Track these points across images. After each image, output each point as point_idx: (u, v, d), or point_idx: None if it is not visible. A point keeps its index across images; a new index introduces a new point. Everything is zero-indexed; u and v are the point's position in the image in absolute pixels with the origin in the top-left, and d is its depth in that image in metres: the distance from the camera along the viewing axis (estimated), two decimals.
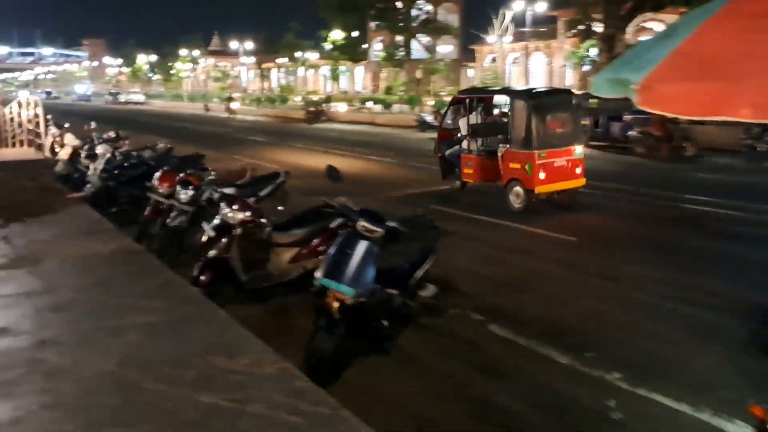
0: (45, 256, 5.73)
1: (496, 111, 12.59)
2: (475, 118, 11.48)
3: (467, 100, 11.71)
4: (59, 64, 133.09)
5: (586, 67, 38.03)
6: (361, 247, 4.57)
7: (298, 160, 17.88)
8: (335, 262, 4.53)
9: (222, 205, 5.74)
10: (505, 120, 11.05)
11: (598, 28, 35.04)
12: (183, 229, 7.47)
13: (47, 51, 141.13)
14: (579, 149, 10.47)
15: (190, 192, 7.37)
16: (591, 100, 22.81)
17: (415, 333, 5.20)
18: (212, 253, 5.63)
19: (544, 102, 10.41)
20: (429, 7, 52.34)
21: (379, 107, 39.02)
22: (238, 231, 5.67)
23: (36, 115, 12.23)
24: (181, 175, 7.66)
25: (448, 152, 12.16)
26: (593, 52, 35.99)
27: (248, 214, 5.70)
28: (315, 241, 6.02)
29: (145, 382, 3.32)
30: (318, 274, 4.56)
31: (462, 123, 11.76)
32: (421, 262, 5.28)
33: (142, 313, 4.33)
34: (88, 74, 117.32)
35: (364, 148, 20.85)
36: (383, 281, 4.82)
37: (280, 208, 7.36)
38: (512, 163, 10.25)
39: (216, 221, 5.76)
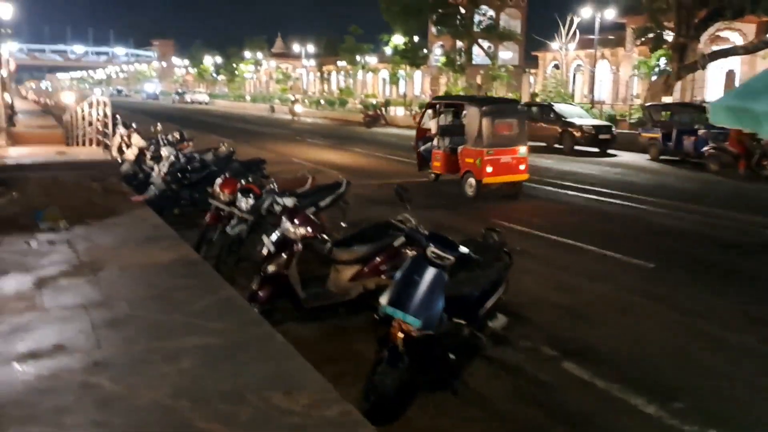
0: (105, 264, 5.63)
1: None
2: (443, 120, 13.74)
3: (437, 105, 13.91)
4: (130, 64, 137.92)
5: (654, 77, 36.56)
6: (430, 274, 4.24)
7: (356, 163, 17.71)
8: (402, 289, 4.22)
9: (283, 218, 5.52)
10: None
11: (669, 36, 33.89)
12: (242, 238, 7.32)
13: (120, 50, 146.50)
14: (523, 149, 12.64)
15: (251, 201, 7.21)
16: (663, 113, 21.93)
17: (484, 368, 4.84)
18: (271, 268, 5.41)
19: (493, 109, 12.42)
20: (491, 13, 51.71)
21: None
22: (299, 246, 5.44)
23: (105, 115, 12.45)
24: (242, 182, 7.52)
25: (422, 148, 14.30)
26: (663, 61, 34.47)
27: (310, 229, 5.46)
28: (377, 260, 5.74)
29: (198, 420, 3.09)
30: (383, 300, 4.25)
31: (432, 124, 13.91)
32: (492, 290, 4.91)
33: (198, 333, 4.12)
34: (156, 74, 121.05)
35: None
36: (451, 311, 4.47)
37: (343, 224, 7.10)
38: (467, 158, 12.46)
39: (276, 235, 5.54)
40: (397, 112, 42.31)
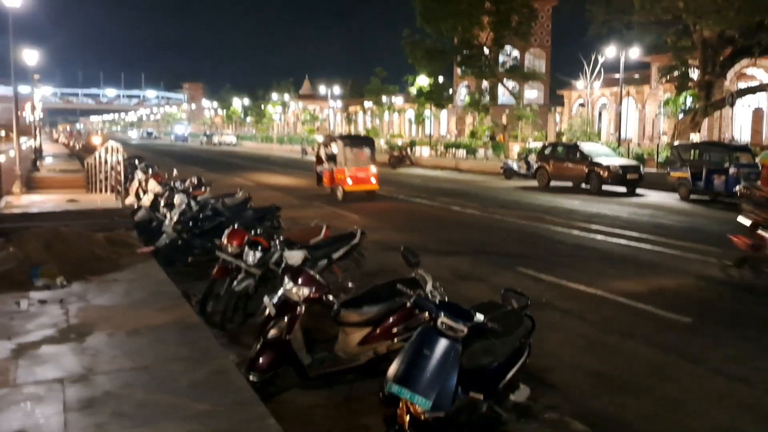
0: (94, 327, 5.27)
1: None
2: (328, 151, 20.40)
3: (325, 141, 21.81)
4: (161, 106, 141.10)
5: (681, 115, 35.86)
6: (441, 347, 3.77)
7: (379, 210, 17.36)
8: (410, 364, 3.75)
9: (285, 278, 5.10)
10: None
11: (695, 74, 33.36)
12: (249, 294, 6.94)
13: (150, 93, 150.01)
14: (373, 168, 19.65)
15: (258, 254, 6.84)
16: (692, 151, 21.27)
17: None
18: (272, 333, 4.98)
19: (351, 142, 20.24)
20: (516, 53, 51.67)
21: (462, 152, 38.32)
22: (302, 309, 5.01)
23: (118, 162, 12.33)
24: (252, 233, 7.16)
25: (318, 169, 20.77)
26: (689, 99, 33.81)
27: (314, 290, 5.03)
28: (389, 321, 5.26)
29: None
30: (389, 375, 3.78)
31: (322, 153, 20.73)
32: (513, 359, 4.40)
33: (180, 417, 3.69)
34: (186, 116, 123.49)
35: (447, 197, 20.08)
36: (467, 384, 3.97)
37: (350, 285, 6.65)
38: (338, 175, 19.34)
39: (278, 296, 5.13)
40: (423, 152, 42.07)
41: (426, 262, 10.39)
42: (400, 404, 3.71)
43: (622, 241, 12.19)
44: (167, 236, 9.60)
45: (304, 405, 4.95)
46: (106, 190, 14.65)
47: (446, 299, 5.36)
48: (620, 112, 34.01)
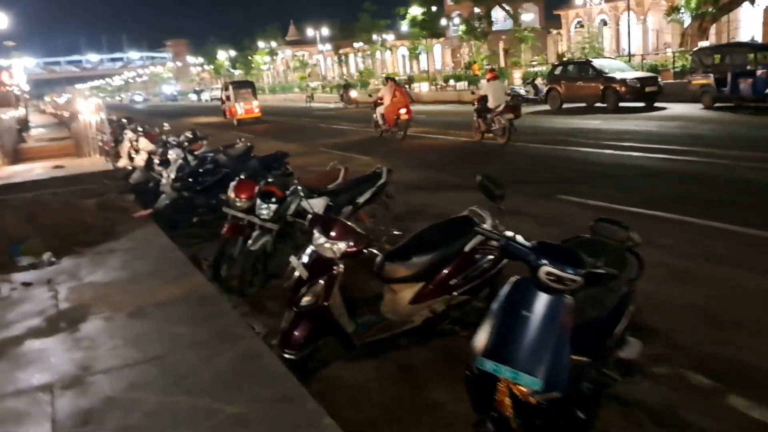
0: (90, 311, 4.32)
1: None
2: (227, 93, 32.91)
3: (223, 87, 36.96)
4: (146, 67, 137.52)
5: (686, 23, 34.04)
6: (546, 305, 2.78)
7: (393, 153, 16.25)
8: (504, 332, 2.78)
9: (315, 232, 4.08)
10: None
11: None
12: (267, 252, 5.96)
13: (134, 55, 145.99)
14: (255, 102, 31.84)
15: (273, 206, 5.84)
16: (714, 56, 19.93)
17: (619, 416, 3.38)
18: (307, 300, 4.00)
19: (238, 84, 34.09)
20: None
21: (464, 84, 36.71)
22: (340, 268, 4.03)
23: (101, 121, 11.17)
24: (261, 184, 6.11)
25: (223, 107, 33.39)
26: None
27: (352, 243, 4.03)
28: (444, 272, 4.27)
29: None
30: (476, 346, 2.82)
31: (222, 95, 34.40)
32: (620, 309, 3.43)
33: (209, 428, 2.75)
34: (173, 75, 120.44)
35: (458, 129, 18.88)
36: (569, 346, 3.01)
37: (396, 232, 5.64)
38: (232, 108, 31.27)
39: (308, 254, 4.14)
40: (422, 88, 40.45)
41: (454, 197, 9.44)
42: (498, 385, 2.75)
43: (664, 156, 11.10)
44: (166, 196, 8.57)
45: (354, 382, 4.04)
46: (92, 154, 13.54)
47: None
48: (628, 23, 32.18)
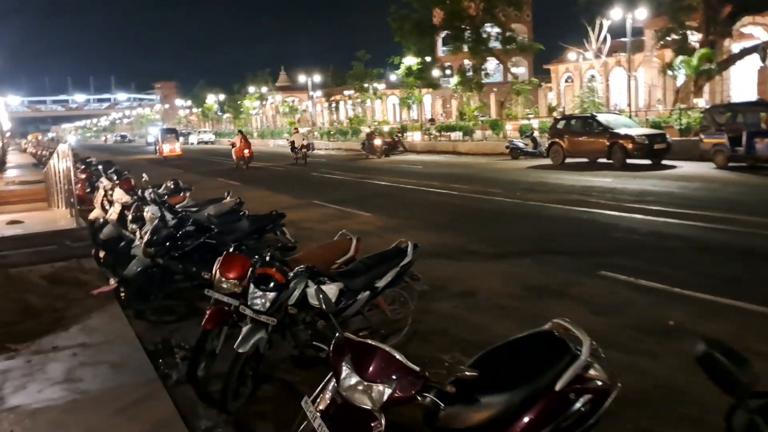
0: None
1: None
2: (159, 136, 47.81)
3: (161, 131, 49.78)
4: (133, 108, 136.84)
5: (679, 81, 33.80)
6: None
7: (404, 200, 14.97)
8: None
9: (344, 368, 2.70)
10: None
11: (692, 37, 31.56)
12: (260, 354, 4.58)
13: (121, 96, 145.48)
14: (178, 145, 43.85)
15: (271, 294, 4.50)
16: (727, 114, 19.16)
17: None
18: None
19: (165, 131, 49.11)
20: (497, 30, 48.54)
21: (458, 134, 35.86)
22: (381, 424, 2.64)
23: (68, 169, 9.78)
24: (256, 263, 4.75)
25: (155, 147, 47.75)
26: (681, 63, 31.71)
27: (399, 386, 2.65)
28: (525, 420, 2.90)
29: None
30: None
31: (153, 139, 55.63)
32: None
33: None
34: (160, 116, 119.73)
35: (461, 182, 17.71)
36: None
37: (449, 358, 4.31)
38: (164, 148, 42.51)
39: (328, 397, 2.77)
40: (415, 137, 39.57)
41: (477, 269, 8.10)
42: None
43: (706, 224, 9.87)
44: (138, 262, 7.14)
45: None
46: (62, 206, 12.09)
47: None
48: (629, 79, 31.64)
